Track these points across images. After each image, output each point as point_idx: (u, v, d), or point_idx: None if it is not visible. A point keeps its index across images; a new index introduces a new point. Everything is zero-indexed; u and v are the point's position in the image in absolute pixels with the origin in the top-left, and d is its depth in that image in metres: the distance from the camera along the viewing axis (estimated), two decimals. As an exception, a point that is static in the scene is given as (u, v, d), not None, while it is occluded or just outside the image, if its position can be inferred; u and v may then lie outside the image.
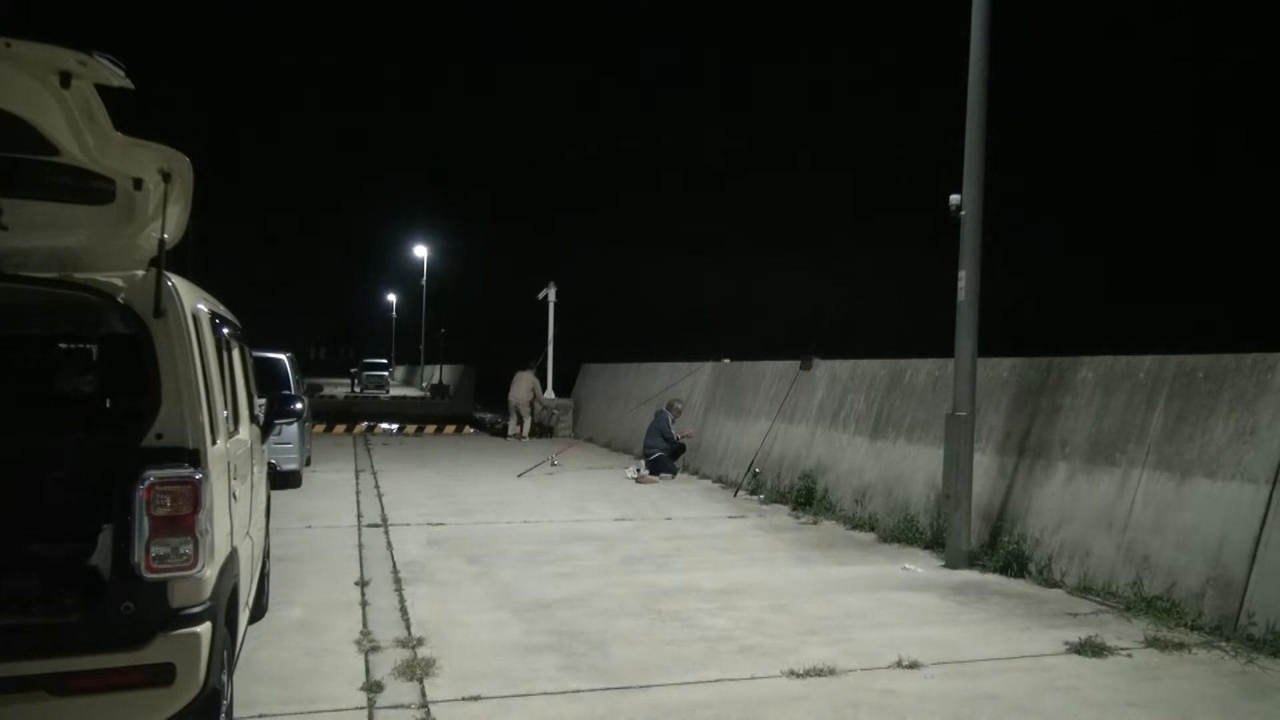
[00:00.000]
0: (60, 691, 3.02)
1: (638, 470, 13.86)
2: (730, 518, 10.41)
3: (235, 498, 4.07)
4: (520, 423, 20.39)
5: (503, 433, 20.81)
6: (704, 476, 14.02)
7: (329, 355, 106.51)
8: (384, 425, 22.10)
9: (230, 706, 3.87)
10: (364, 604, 6.38)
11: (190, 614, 3.22)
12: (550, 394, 21.56)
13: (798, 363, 12.65)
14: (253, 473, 4.87)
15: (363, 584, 6.91)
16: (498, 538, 8.91)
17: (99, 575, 3.42)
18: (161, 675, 3.13)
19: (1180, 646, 5.64)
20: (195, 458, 3.29)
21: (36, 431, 4.25)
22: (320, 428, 20.27)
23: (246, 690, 4.50)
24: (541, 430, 20.63)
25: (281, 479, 11.25)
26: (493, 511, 10.43)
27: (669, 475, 13.73)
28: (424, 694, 4.69)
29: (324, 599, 6.45)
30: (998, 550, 7.83)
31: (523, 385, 20.45)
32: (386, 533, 9.01)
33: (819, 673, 5.08)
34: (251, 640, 5.17)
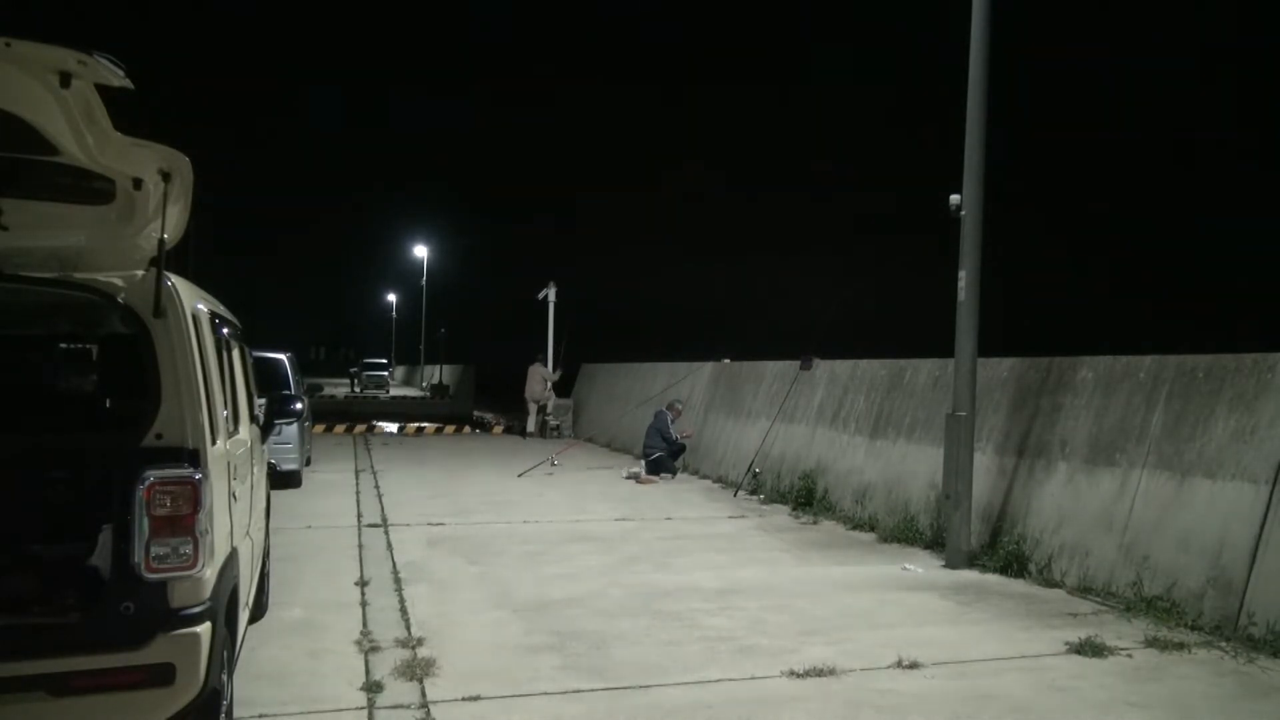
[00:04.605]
0: (60, 691, 3.02)
1: (638, 470, 13.86)
2: (730, 518, 10.41)
3: (235, 498, 4.07)
4: (540, 412, 20.60)
5: (523, 432, 20.91)
6: (704, 476, 14.02)
7: (329, 355, 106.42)
8: (384, 425, 22.10)
9: (230, 706, 3.87)
10: (364, 604, 6.38)
11: (190, 614, 3.22)
12: (551, 394, 21.60)
13: (798, 363, 12.64)
14: (253, 473, 4.87)
15: (363, 584, 6.91)
16: (498, 538, 8.91)
17: (99, 575, 3.42)
18: (161, 675, 3.13)
19: (1180, 646, 5.64)
20: (195, 458, 3.29)
21: (36, 431, 4.24)
22: (320, 428, 20.27)
23: (246, 690, 4.50)
24: (543, 430, 20.70)
25: (281, 479, 11.24)
26: (493, 511, 10.43)
27: (669, 475, 13.73)
28: (424, 694, 4.69)
29: (324, 599, 6.45)
30: (998, 550, 7.83)
31: (535, 378, 20.67)
32: (386, 533, 9.01)
33: (819, 673, 5.08)
34: (251, 640, 5.17)
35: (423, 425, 22.22)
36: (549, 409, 20.73)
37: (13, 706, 3.00)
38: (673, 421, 14.11)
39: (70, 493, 3.85)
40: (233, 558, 3.87)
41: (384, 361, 66.75)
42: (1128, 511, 6.99)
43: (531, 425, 20.64)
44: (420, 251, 56.95)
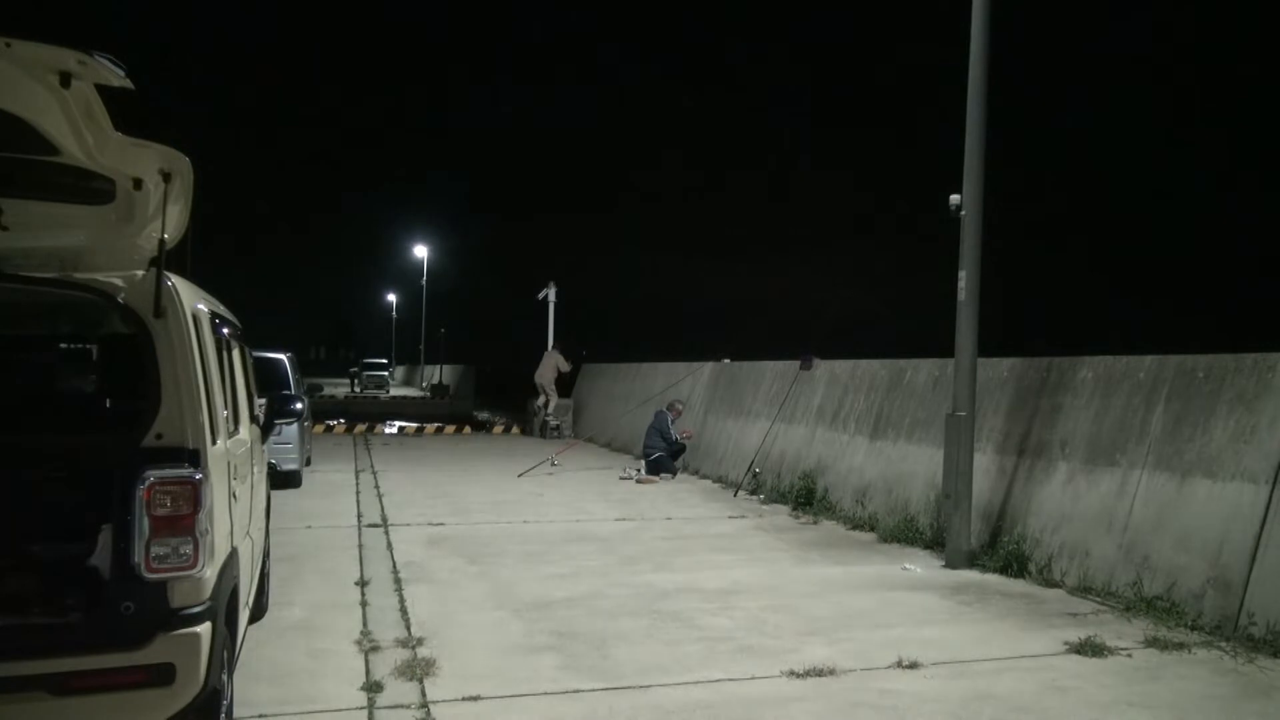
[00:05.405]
0: (60, 691, 3.02)
1: (638, 470, 13.86)
2: (730, 518, 10.41)
3: (235, 498, 4.06)
4: (546, 403, 20.57)
5: (540, 431, 20.81)
6: (704, 476, 14.02)
7: (329, 355, 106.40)
8: (384, 425, 22.11)
9: (230, 706, 3.87)
10: (364, 604, 6.38)
11: (190, 614, 3.22)
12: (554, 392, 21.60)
13: (798, 363, 12.64)
14: (253, 473, 4.87)
15: (363, 584, 6.91)
16: (498, 538, 8.91)
17: (99, 575, 3.42)
18: (161, 675, 3.13)
19: (1180, 646, 5.64)
20: (195, 458, 3.29)
21: (37, 431, 4.25)
22: (320, 428, 20.27)
23: (246, 690, 4.50)
24: (543, 430, 20.68)
25: (281, 479, 11.24)
26: (493, 511, 10.43)
27: (669, 475, 13.73)
28: (424, 694, 4.69)
29: (324, 599, 6.45)
30: (998, 550, 7.82)
31: (549, 363, 20.61)
32: (386, 533, 9.01)
33: (819, 673, 5.08)
34: (251, 640, 5.17)
35: (423, 425, 22.22)
36: (550, 408, 20.70)
37: (13, 706, 3.00)
38: (673, 421, 14.12)
39: (70, 493, 3.85)
40: (233, 558, 3.87)
41: (384, 361, 66.75)
42: (1128, 511, 6.98)
43: (549, 406, 20.53)
44: (420, 251, 56.99)
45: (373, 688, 4.75)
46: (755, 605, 6.52)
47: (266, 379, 9.46)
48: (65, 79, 2.65)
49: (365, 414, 24.81)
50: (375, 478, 13.13)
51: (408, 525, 9.43)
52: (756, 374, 14.07)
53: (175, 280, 3.54)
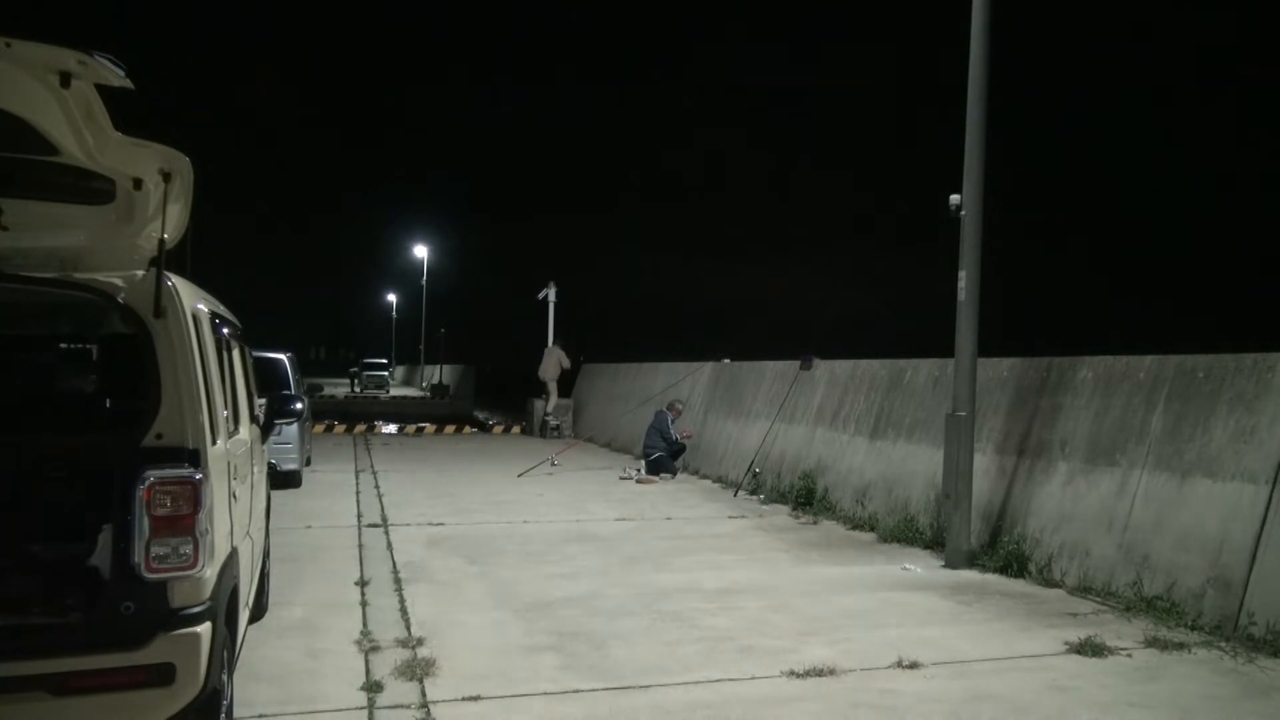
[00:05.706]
0: (60, 691, 3.02)
1: (638, 470, 13.86)
2: (730, 518, 10.41)
3: (235, 498, 4.06)
4: (547, 400, 20.59)
5: (543, 411, 20.85)
6: (704, 476, 14.02)
7: (329, 355, 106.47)
8: (384, 425, 22.12)
9: (230, 706, 3.87)
10: (364, 604, 6.39)
11: (190, 614, 3.22)
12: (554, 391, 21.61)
13: (798, 363, 12.64)
14: (253, 473, 4.87)
15: (363, 584, 6.91)
16: (498, 538, 8.91)
17: (99, 575, 3.42)
18: (162, 675, 3.13)
19: (1180, 646, 5.64)
20: (195, 458, 3.29)
21: (37, 431, 4.25)
22: (320, 428, 20.27)
23: (246, 690, 4.50)
24: (543, 430, 20.69)
25: (281, 479, 11.24)
26: (493, 511, 10.43)
27: (669, 475, 13.73)
28: (424, 694, 4.69)
29: (324, 599, 6.45)
30: (998, 550, 7.82)
31: (551, 359, 20.60)
32: (386, 533, 9.01)
33: (819, 673, 5.08)
34: (251, 640, 5.17)
35: (423, 425, 22.23)
36: (550, 407, 20.72)
37: (13, 706, 3.00)
38: (673, 421, 14.12)
39: (70, 493, 3.86)
40: (233, 558, 3.87)
41: (384, 361, 66.80)
42: (1127, 511, 6.99)
43: (550, 404, 20.62)
44: (420, 251, 56.98)
45: (373, 688, 4.75)
46: (755, 605, 6.52)
47: (266, 379, 9.45)
48: (65, 79, 2.65)
49: (365, 414, 24.84)
50: (375, 478, 13.13)
51: (408, 525, 9.43)
52: (756, 374, 14.07)
53: (175, 280, 3.54)
